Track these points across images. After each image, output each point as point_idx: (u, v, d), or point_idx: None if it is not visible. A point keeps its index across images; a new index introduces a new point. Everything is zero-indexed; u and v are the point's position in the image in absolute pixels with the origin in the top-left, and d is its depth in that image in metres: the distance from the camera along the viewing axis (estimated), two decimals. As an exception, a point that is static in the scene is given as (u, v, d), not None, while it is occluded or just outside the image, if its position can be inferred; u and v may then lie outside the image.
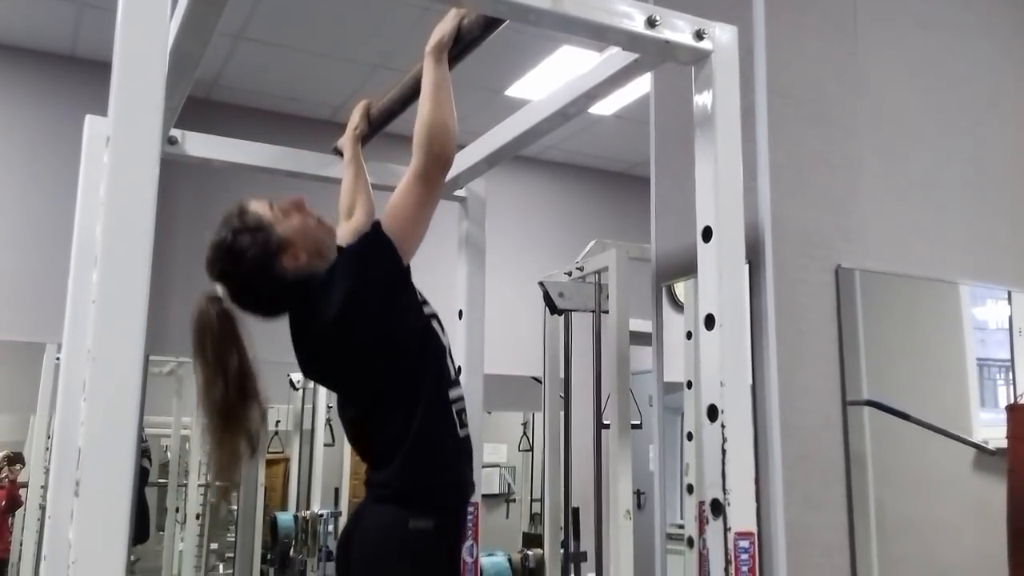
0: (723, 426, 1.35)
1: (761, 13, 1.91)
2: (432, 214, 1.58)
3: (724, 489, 1.33)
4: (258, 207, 1.67)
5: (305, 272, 1.64)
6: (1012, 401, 2.37)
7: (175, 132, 1.99)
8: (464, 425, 1.67)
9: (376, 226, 1.56)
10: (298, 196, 1.71)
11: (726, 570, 1.31)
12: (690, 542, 2.41)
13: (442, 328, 1.69)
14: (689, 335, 2.43)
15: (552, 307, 2.85)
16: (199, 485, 4.67)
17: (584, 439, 2.92)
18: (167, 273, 3.84)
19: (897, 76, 2.12)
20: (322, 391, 4.88)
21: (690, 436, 2.46)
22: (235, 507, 4.84)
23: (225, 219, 1.66)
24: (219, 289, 1.63)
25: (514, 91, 4.08)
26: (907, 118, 2.12)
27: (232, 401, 1.55)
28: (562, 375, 2.94)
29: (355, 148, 2.05)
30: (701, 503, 2.45)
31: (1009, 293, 2.34)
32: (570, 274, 2.92)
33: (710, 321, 1.39)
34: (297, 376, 4.80)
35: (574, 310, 2.87)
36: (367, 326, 1.56)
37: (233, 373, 1.56)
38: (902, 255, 2.04)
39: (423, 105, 1.55)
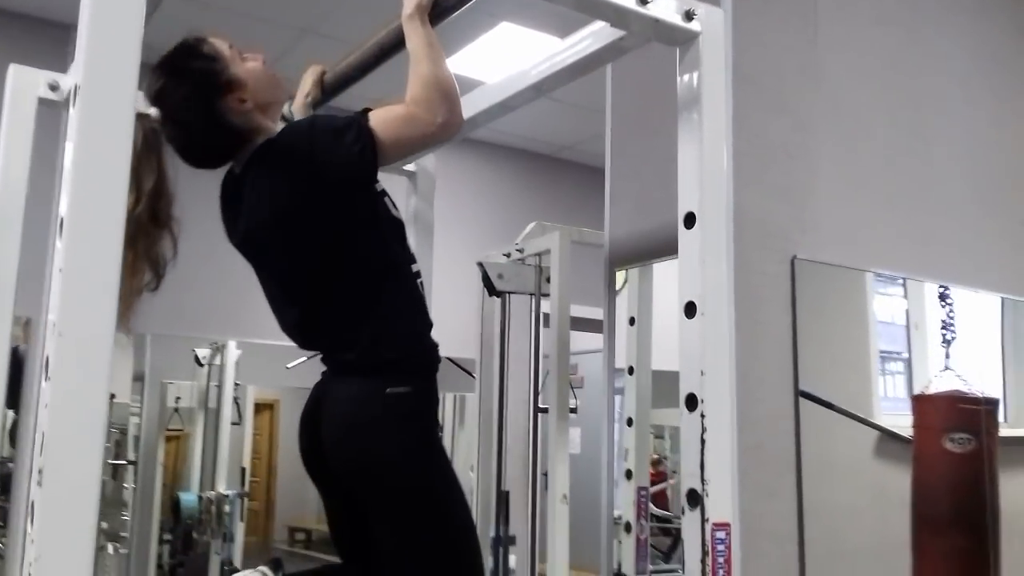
0: (703, 416, 1.33)
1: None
2: (409, 154, 1.53)
3: (703, 480, 1.31)
4: (218, 42, 1.58)
5: (246, 122, 1.56)
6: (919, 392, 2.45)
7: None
8: (423, 299, 1.64)
9: (364, 116, 1.47)
10: (260, 49, 1.63)
11: (703, 561, 1.29)
12: (627, 527, 2.41)
13: (394, 205, 1.63)
14: (632, 321, 2.43)
15: (491, 289, 2.80)
16: (105, 461, 4.45)
17: (516, 423, 2.89)
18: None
19: (853, 69, 2.14)
20: (229, 366, 4.70)
21: (629, 422, 2.46)
22: (129, 485, 4.64)
23: (180, 43, 1.56)
24: (152, 111, 1.51)
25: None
26: (861, 112, 2.15)
27: (142, 222, 1.44)
28: (498, 358, 2.89)
29: (305, 115, 1.94)
30: (640, 489, 2.48)
31: (944, 288, 2.41)
32: (508, 256, 2.87)
33: (691, 309, 1.36)
34: (203, 352, 4.62)
35: (513, 292, 2.83)
36: (325, 208, 1.49)
37: (148, 191, 1.45)
38: (852, 248, 2.07)
39: (420, 66, 1.45)
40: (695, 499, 1.32)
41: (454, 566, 1.52)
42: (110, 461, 4.32)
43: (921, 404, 2.42)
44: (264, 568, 1.52)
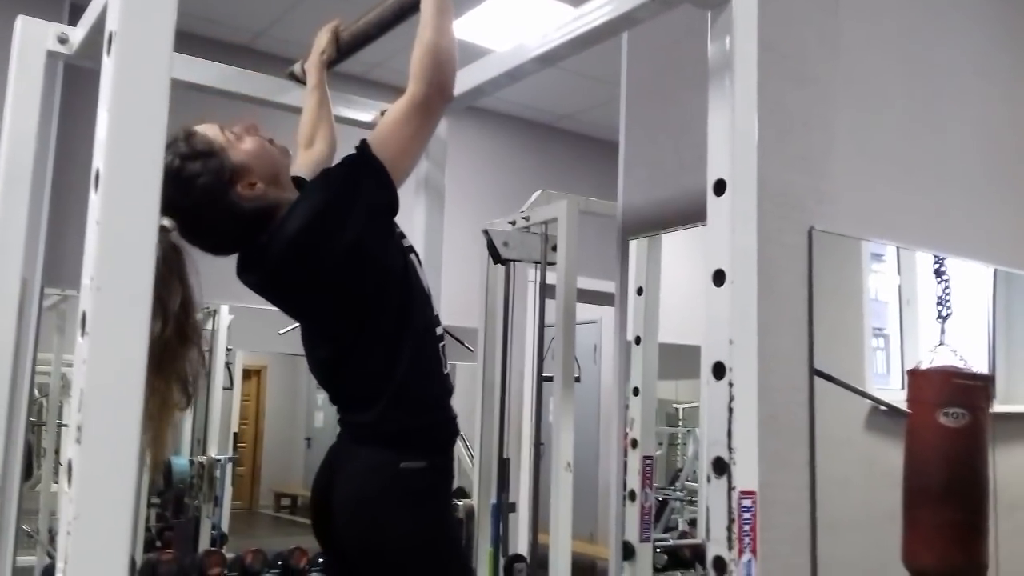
0: (731, 384, 1.32)
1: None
2: (424, 149, 1.48)
3: (730, 448, 1.31)
4: (207, 130, 1.52)
5: (262, 202, 1.51)
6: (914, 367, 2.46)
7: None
8: (446, 364, 1.60)
9: (364, 147, 1.44)
10: (250, 120, 1.57)
11: (728, 528, 1.29)
12: (632, 496, 2.42)
13: (419, 263, 1.61)
14: (640, 291, 2.42)
15: (495, 256, 2.78)
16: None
17: (517, 392, 2.88)
18: (65, 198, 3.54)
19: (873, 39, 2.12)
20: (221, 331, 4.67)
21: (635, 391, 2.46)
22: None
23: (170, 144, 1.47)
24: (167, 221, 1.46)
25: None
26: (879, 84, 2.13)
27: (170, 343, 1.39)
28: (501, 326, 2.88)
29: (320, 74, 1.91)
30: (646, 458, 2.48)
31: (940, 263, 2.41)
32: (514, 223, 2.85)
33: (719, 277, 1.35)
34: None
35: (518, 260, 2.81)
36: (342, 251, 1.45)
37: (174, 312, 1.40)
38: (869, 220, 2.06)
39: (424, 31, 1.44)
40: (722, 467, 1.32)
41: None
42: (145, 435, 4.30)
43: (916, 379, 2.43)
44: None
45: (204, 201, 1.48)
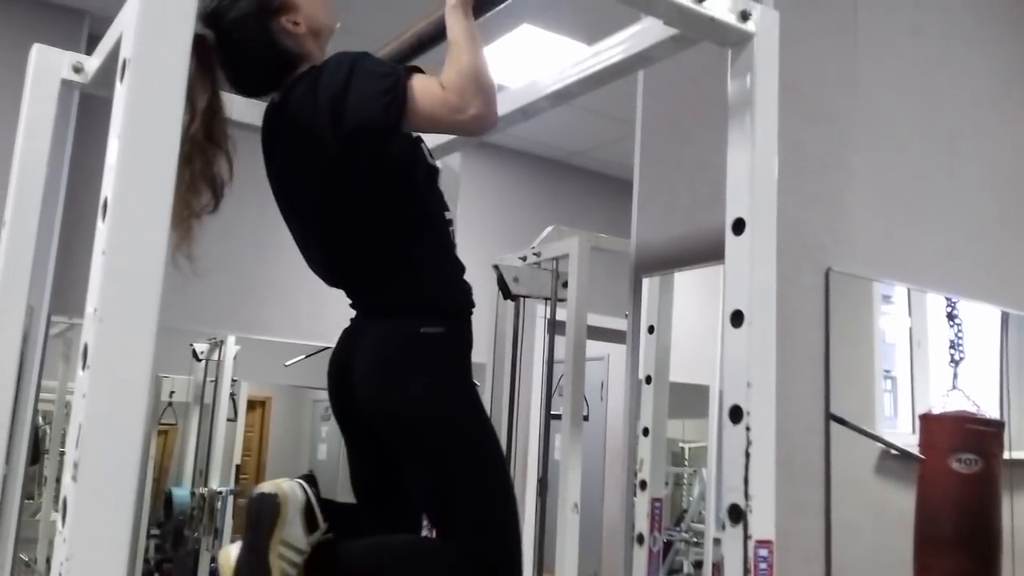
0: (748, 428, 1.28)
1: (771, 1, 1.86)
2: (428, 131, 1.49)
3: (747, 495, 1.27)
4: None
5: (297, 46, 1.53)
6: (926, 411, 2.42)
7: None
8: (455, 247, 1.60)
9: (408, 74, 1.40)
10: None
11: (744, 580, 1.25)
12: (640, 539, 2.37)
13: (429, 153, 1.61)
14: (651, 329, 2.39)
15: (506, 292, 2.75)
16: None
17: (524, 429, 2.84)
18: (76, 226, 3.54)
19: (890, 79, 2.11)
20: (227, 362, 4.64)
21: (645, 432, 2.42)
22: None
23: None
24: (206, 31, 1.49)
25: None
26: (896, 123, 2.11)
27: (197, 140, 1.42)
28: (510, 362, 2.85)
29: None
30: (655, 500, 2.43)
31: (952, 307, 2.38)
32: (524, 259, 2.82)
33: (737, 318, 1.32)
34: (201, 347, 4.56)
35: (528, 296, 2.78)
36: (352, 149, 1.44)
37: (202, 109, 1.43)
38: (883, 260, 2.03)
39: (461, 56, 1.39)
40: (737, 515, 1.28)
41: (486, 507, 1.45)
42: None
43: (929, 423, 2.39)
44: (300, 481, 1.46)
45: (247, 17, 1.50)
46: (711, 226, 1.68)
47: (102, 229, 0.86)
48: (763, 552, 1.26)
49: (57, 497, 4.18)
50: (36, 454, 4.19)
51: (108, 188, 0.87)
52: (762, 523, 1.26)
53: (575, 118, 4.34)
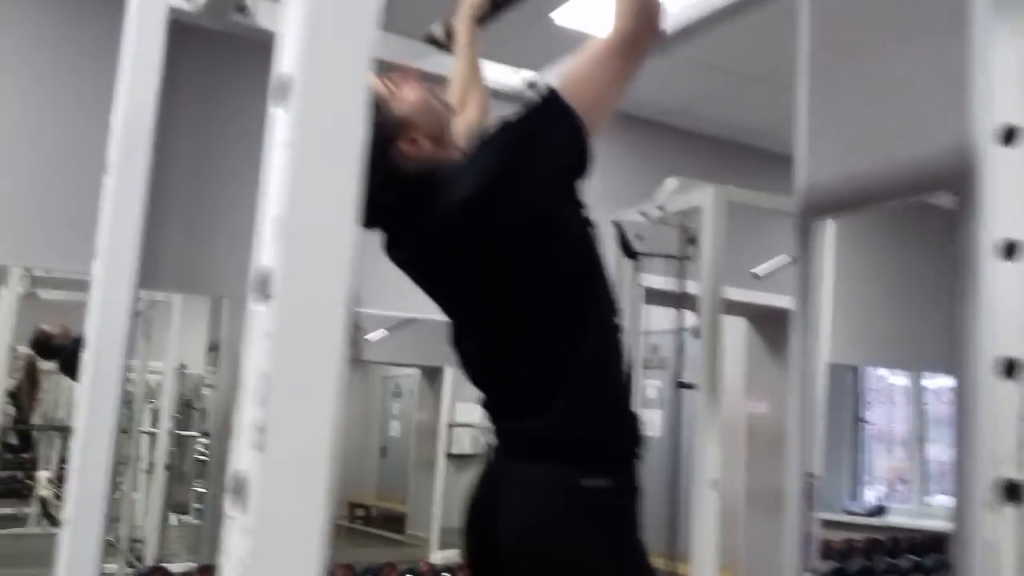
0: None
1: None
2: (622, 99, 1.23)
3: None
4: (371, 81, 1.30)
5: (424, 162, 1.30)
6: None
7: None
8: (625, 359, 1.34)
9: (553, 93, 1.21)
10: (411, 67, 1.36)
11: (1027, 571, 1.00)
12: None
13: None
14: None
15: (627, 250, 2.52)
16: (174, 432, 4.27)
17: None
18: (163, 191, 3.34)
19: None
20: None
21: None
22: (203, 457, 4.48)
23: None
24: None
25: (562, 17, 3.66)
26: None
27: None
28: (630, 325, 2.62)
29: (471, 31, 1.68)
30: (807, 474, 2.19)
31: None
32: (645, 215, 2.58)
33: (1009, 249, 1.06)
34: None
35: (652, 254, 2.54)
36: (522, 214, 1.22)
37: None
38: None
39: None
40: (1014, 492, 1.03)
41: None
42: (179, 431, 4.18)
43: None
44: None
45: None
46: (904, 158, 1.43)
47: (284, 117, 0.65)
48: (1049, 539, 1.01)
49: (149, 474, 4.08)
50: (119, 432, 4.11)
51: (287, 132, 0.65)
52: (1045, 502, 1.01)
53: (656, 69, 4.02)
